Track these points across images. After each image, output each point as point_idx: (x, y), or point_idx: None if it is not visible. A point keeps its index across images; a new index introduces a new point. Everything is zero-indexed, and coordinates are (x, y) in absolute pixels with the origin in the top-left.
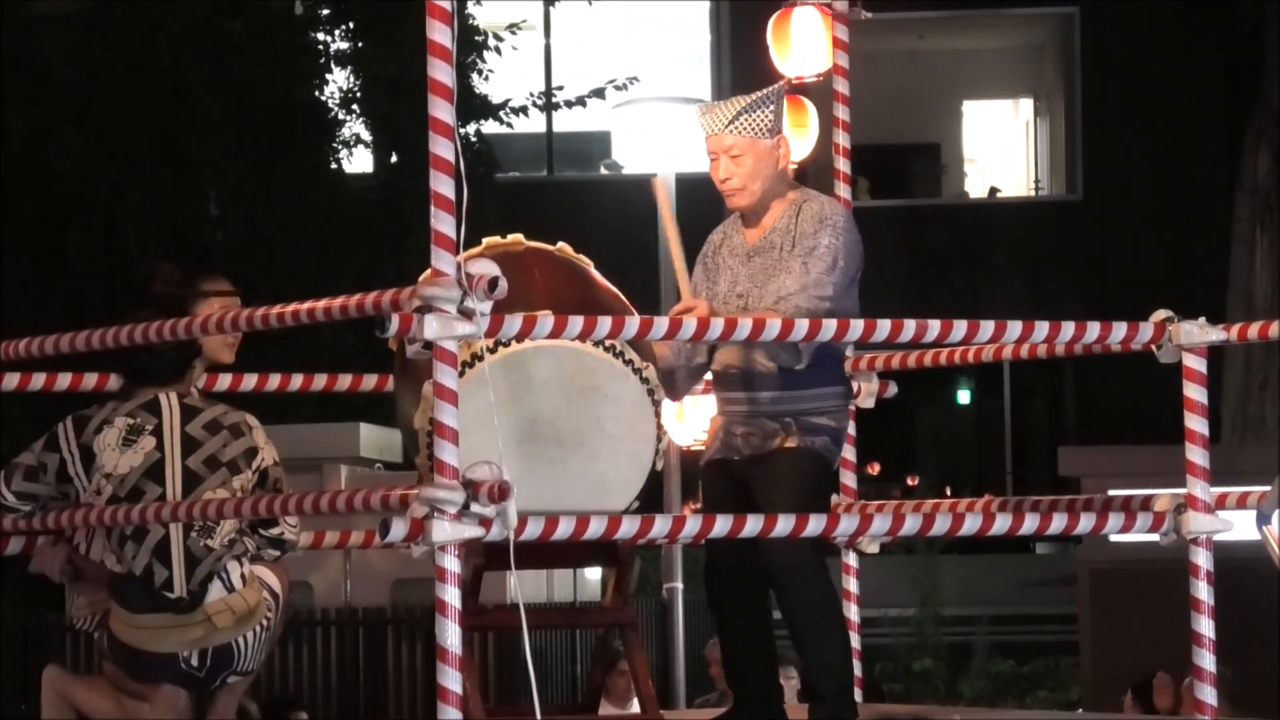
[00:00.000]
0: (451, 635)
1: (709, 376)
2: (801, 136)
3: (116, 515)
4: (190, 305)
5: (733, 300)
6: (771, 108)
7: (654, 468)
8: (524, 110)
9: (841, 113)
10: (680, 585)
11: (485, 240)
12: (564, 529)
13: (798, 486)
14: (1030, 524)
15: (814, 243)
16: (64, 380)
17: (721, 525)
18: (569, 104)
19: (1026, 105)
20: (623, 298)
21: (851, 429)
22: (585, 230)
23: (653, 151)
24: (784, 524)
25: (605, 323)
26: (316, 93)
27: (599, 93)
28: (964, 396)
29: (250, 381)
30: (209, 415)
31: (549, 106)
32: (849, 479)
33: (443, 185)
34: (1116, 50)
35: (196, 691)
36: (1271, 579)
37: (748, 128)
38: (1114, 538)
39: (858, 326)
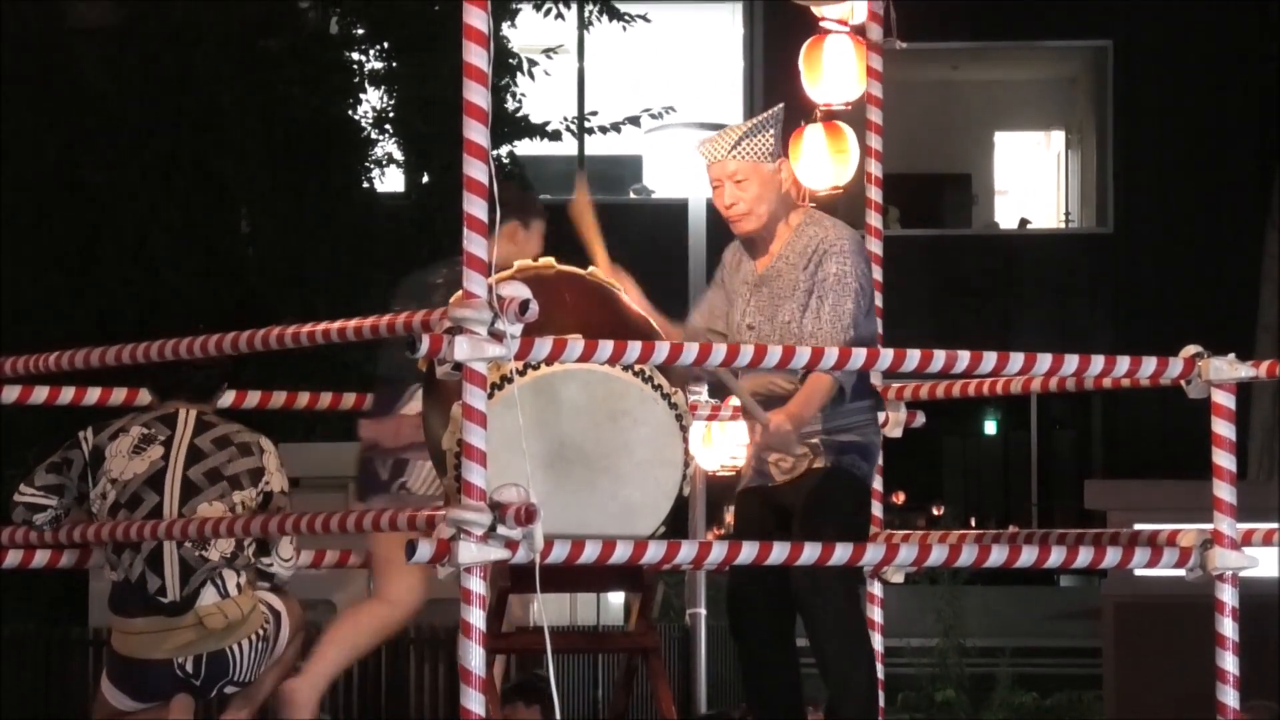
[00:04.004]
0: (474, 657)
1: (736, 401)
2: (842, 164)
3: (116, 531)
4: (531, 215)
5: (744, 331)
6: (772, 131)
7: (681, 493)
8: (557, 134)
9: (873, 141)
10: (704, 611)
11: (516, 263)
12: (590, 553)
13: (840, 519)
14: (1056, 556)
15: (823, 273)
16: (93, 394)
17: (747, 552)
18: (603, 130)
19: (1058, 137)
20: (652, 322)
21: (879, 458)
22: (615, 253)
23: (682, 177)
24: (810, 551)
25: (635, 347)
26: (350, 111)
27: (634, 120)
28: (991, 428)
29: (279, 399)
30: (221, 431)
31: (581, 131)
32: (876, 508)
33: (475, 207)
34: (1149, 84)
35: (196, 700)
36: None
37: (750, 152)
38: (1139, 572)
39: (887, 356)
